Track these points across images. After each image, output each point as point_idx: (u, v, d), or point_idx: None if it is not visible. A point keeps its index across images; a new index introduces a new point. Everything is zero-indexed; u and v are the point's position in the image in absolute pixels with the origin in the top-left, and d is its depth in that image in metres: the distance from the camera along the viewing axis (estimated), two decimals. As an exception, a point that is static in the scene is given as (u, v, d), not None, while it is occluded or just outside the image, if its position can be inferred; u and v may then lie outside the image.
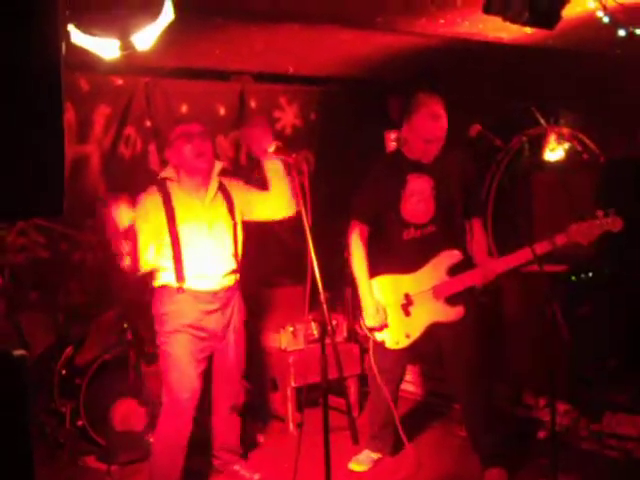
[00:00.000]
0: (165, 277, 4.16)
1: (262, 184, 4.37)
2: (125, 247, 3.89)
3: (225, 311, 4.28)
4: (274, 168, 4.24)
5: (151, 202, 4.12)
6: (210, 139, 4.24)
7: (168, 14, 2.40)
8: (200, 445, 4.50)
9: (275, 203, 4.32)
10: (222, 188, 4.30)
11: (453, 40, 5.01)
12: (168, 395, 4.26)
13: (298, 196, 3.47)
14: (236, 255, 4.29)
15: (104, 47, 2.34)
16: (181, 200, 4.15)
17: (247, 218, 4.38)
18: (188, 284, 4.13)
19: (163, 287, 4.19)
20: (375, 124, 6.51)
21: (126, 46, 2.34)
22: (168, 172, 4.24)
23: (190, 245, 4.12)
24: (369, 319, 4.37)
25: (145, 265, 4.02)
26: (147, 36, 2.38)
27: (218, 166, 4.31)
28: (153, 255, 4.04)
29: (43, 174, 1.56)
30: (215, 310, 4.22)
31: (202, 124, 4.26)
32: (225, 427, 4.57)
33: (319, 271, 3.33)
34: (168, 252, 4.11)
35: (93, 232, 5.30)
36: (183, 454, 4.27)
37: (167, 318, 4.18)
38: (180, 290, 4.13)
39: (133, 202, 3.99)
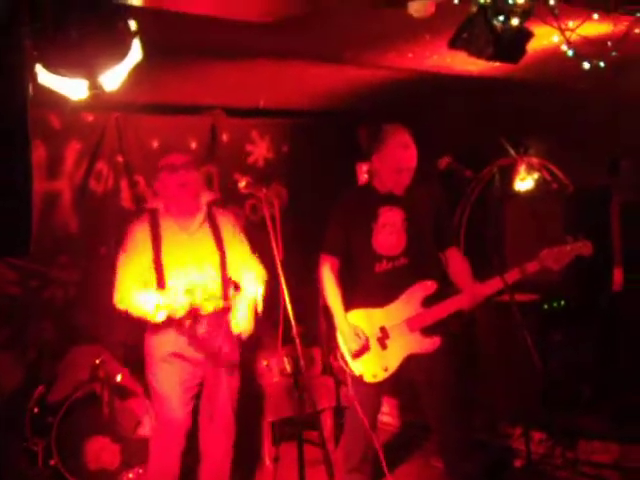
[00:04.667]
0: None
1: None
2: None
3: (213, 335, 4.27)
4: None
5: (140, 233, 4.23)
6: (195, 169, 4.30)
7: (136, 54, 2.41)
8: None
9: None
10: (210, 219, 4.35)
11: (422, 73, 5.06)
12: (155, 426, 4.31)
13: (270, 232, 3.49)
14: (224, 283, 4.30)
15: (72, 87, 2.35)
16: (169, 231, 4.24)
17: None
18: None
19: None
20: (347, 156, 6.54)
21: (94, 86, 2.35)
22: (156, 202, 4.34)
23: (173, 275, 4.17)
24: (351, 344, 4.33)
25: (122, 302, 4.12)
26: (115, 76, 2.39)
27: (207, 196, 4.39)
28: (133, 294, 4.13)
29: (10, 215, 1.55)
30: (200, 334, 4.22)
31: (187, 155, 4.37)
32: (214, 474, 4.51)
33: (292, 305, 3.33)
34: (152, 280, 4.18)
35: (63, 268, 5.28)
36: None
37: (152, 347, 4.24)
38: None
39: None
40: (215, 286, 4.27)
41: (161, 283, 4.17)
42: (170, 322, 4.12)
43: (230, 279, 4.37)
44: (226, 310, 4.32)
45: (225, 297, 4.31)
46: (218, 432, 4.43)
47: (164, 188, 4.24)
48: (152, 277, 4.19)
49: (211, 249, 4.29)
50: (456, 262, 4.50)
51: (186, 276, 4.18)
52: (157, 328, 4.18)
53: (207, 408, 4.40)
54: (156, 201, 4.37)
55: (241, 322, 4.20)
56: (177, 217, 4.26)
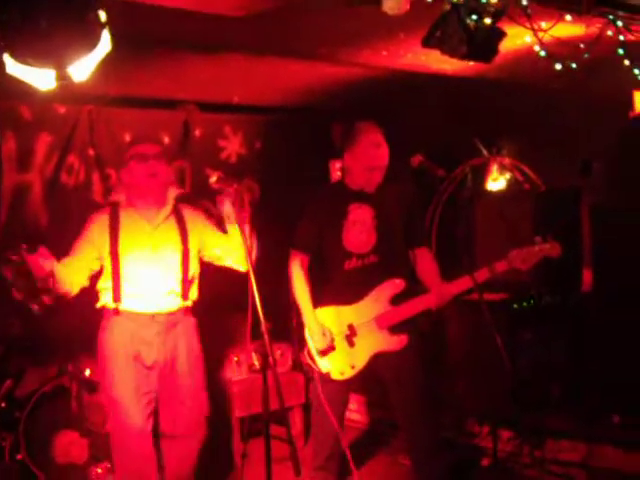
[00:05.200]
0: (104, 298, 4.13)
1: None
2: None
3: (167, 338, 4.13)
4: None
5: (98, 223, 4.13)
6: (166, 161, 4.22)
7: (105, 45, 2.40)
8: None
9: (230, 251, 4.22)
10: (177, 213, 4.24)
11: (396, 71, 5.07)
12: (113, 432, 4.16)
13: (241, 227, 3.48)
14: (185, 281, 4.18)
15: (40, 77, 2.33)
16: (129, 221, 4.12)
17: (202, 255, 4.31)
18: (124, 305, 4.07)
19: (102, 308, 4.15)
20: (320, 153, 6.54)
21: (62, 76, 2.33)
22: (117, 195, 4.23)
23: (130, 265, 4.07)
24: (317, 342, 4.35)
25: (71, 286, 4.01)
26: (84, 67, 2.37)
27: (175, 191, 4.28)
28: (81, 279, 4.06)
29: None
30: (155, 336, 4.08)
31: (158, 145, 4.26)
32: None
33: (261, 300, 3.32)
34: (108, 271, 4.08)
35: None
36: None
37: (105, 344, 4.11)
38: (116, 312, 4.07)
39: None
40: (175, 283, 4.16)
41: (116, 272, 4.05)
42: (133, 317, 4.06)
43: (193, 279, 4.24)
44: (186, 310, 4.23)
45: (185, 296, 4.19)
46: (181, 437, 4.28)
47: (132, 177, 4.12)
48: (108, 267, 4.08)
49: (174, 244, 4.17)
50: (425, 261, 4.52)
51: (144, 268, 4.08)
52: (112, 326, 4.10)
53: (167, 415, 4.25)
54: (118, 194, 4.25)
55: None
56: (140, 208, 4.15)
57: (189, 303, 4.23)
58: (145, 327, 4.09)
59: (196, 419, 4.29)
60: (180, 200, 4.31)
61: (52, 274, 3.83)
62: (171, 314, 4.15)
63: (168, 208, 4.21)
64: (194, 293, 4.26)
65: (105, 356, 4.12)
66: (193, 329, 4.28)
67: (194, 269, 4.26)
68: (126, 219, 4.13)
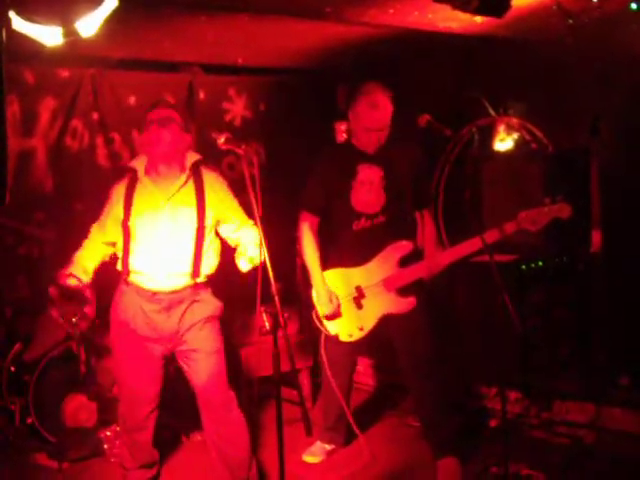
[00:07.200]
0: (119, 264, 4.02)
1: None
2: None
3: (171, 313, 3.96)
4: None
5: (116, 191, 4.02)
6: (174, 126, 3.88)
7: (112, 0, 2.36)
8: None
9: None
10: (196, 181, 3.98)
11: (403, 30, 5.01)
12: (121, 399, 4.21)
13: (249, 188, 3.43)
14: (197, 258, 3.93)
15: (47, 34, 2.29)
16: (145, 190, 3.93)
17: (219, 227, 4.09)
18: (131, 277, 3.95)
19: (119, 273, 4.03)
20: (326, 115, 6.49)
21: (69, 32, 2.29)
22: (135, 161, 4.05)
23: (140, 238, 3.90)
24: (323, 307, 4.36)
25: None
26: (91, 22, 2.33)
27: (192, 157, 4.01)
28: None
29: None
30: (155, 313, 3.95)
31: (175, 110, 3.97)
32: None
33: (271, 262, 3.30)
34: (120, 242, 3.97)
35: (40, 226, 5.23)
36: None
37: (115, 310, 4.06)
38: (126, 281, 3.98)
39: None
40: (185, 262, 3.92)
41: (126, 246, 3.93)
42: (138, 290, 3.96)
43: (207, 255, 3.99)
44: (195, 287, 3.98)
45: (195, 274, 3.94)
46: (211, 418, 4.15)
47: (141, 143, 4.02)
48: (120, 238, 3.97)
49: (189, 219, 3.92)
50: (426, 226, 4.55)
51: (153, 244, 3.89)
52: (122, 293, 4.02)
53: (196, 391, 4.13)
54: (137, 160, 4.04)
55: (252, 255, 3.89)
56: (155, 178, 3.94)
57: (200, 279, 3.98)
58: (147, 302, 3.94)
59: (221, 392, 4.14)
60: (200, 164, 4.04)
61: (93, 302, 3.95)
62: (175, 292, 3.95)
63: (183, 177, 3.95)
64: (210, 268, 4.04)
65: (117, 324, 4.06)
66: (202, 303, 4.05)
67: (210, 244, 4.03)
68: (141, 189, 3.95)
